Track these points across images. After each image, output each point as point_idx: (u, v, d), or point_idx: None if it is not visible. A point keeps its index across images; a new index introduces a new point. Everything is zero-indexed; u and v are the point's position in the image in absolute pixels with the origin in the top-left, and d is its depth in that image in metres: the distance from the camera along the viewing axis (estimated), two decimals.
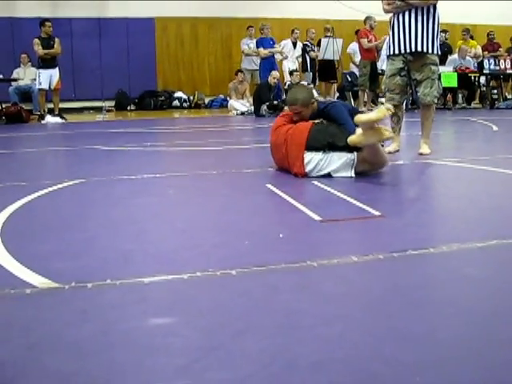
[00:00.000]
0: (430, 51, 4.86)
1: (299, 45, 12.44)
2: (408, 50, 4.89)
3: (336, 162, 3.85)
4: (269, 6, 13.77)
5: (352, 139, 3.72)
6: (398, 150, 5.11)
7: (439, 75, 5.10)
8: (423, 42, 4.83)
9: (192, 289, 1.89)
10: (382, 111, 3.64)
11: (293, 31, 12.35)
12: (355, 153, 3.82)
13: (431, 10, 4.85)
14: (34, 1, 12.26)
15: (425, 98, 4.99)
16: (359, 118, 3.69)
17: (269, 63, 11.39)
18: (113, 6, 13.14)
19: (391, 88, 5.11)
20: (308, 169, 3.87)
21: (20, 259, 2.18)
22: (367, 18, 11.09)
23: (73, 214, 3.08)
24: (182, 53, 14.00)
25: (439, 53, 4.99)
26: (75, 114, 11.73)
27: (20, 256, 2.22)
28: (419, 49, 4.85)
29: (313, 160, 3.86)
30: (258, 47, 11.55)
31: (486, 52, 13.15)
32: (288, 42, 12.31)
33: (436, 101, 5.12)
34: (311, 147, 3.86)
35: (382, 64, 10.99)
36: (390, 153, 4.99)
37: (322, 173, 3.86)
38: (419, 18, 4.82)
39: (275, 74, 10.64)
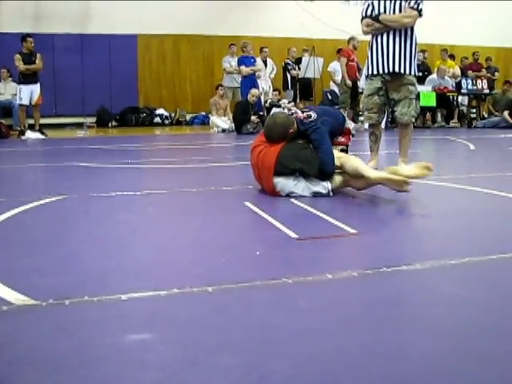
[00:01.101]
0: (407, 72, 4.96)
1: (270, 62, 12.56)
2: (386, 71, 4.99)
3: (309, 190, 3.89)
4: (250, 24, 13.91)
5: (374, 177, 3.79)
6: (376, 169, 5.17)
7: (418, 95, 5.19)
8: (400, 63, 4.94)
9: (169, 305, 1.91)
10: (423, 172, 3.71)
11: (261, 49, 12.47)
12: (329, 184, 3.87)
13: (408, 31, 4.96)
14: (17, 16, 12.27)
15: (402, 118, 5.08)
16: (400, 172, 3.72)
17: (250, 81, 11.47)
18: (95, 22, 13.17)
19: (369, 107, 5.20)
20: (279, 190, 3.89)
21: None
22: (351, 39, 11.24)
23: (52, 230, 3.09)
24: (163, 70, 14.06)
25: (416, 73, 5.09)
26: (56, 130, 11.70)
27: None
28: (397, 70, 4.95)
29: (282, 184, 3.88)
30: (239, 65, 11.64)
31: (471, 71, 13.35)
32: (259, 61, 12.40)
33: (414, 120, 5.21)
34: (279, 173, 3.87)
35: (363, 83, 11.12)
36: None
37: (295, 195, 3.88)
38: (397, 39, 4.93)
39: (255, 91, 10.71)
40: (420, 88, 12.07)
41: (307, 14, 14.18)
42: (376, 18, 4.97)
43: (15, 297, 1.96)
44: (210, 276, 2.19)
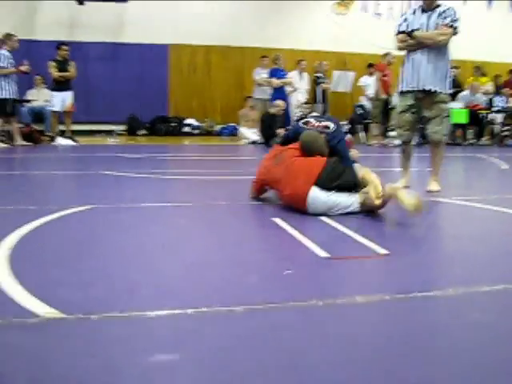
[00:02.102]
0: (440, 90, 4.91)
1: (306, 76, 12.51)
2: (418, 88, 4.94)
3: (337, 207, 3.81)
4: (282, 36, 13.92)
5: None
6: (407, 187, 5.11)
7: (450, 112, 5.12)
8: (434, 81, 4.88)
9: (197, 325, 1.89)
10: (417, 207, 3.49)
11: (299, 62, 12.44)
12: (358, 202, 3.80)
13: (442, 49, 4.90)
14: (52, 24, 12.46)
15: (434, 136, 5.01)
16: (403, 198, 3.53)
17: (280, 94, 11.45)
18: (128, 32, 13.32)
19: (401, 124, 5.15)
20: (311, 198, 3.78)
21: (27, 287, 2.19)
22: (386, 54, 11.19)
23: (81, 241, 3.09)
24: (194, 80, 14.14)
25: (450, 92, 5.02)
26: (87, 137, 11.82)
27: (27, 284, 2.23)
28: (429, 87, 4.90)
29: (316, 193, 3.78)
30: (270, 77, 11.64)
31: (507, 89, 13.12)
32: (295, 73, 12.40)
33: (446, 138, 5.14)
34: (317, 184, 3.81)
35: (396, 99, 11.05)
36: None
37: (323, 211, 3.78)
38: (430, 56, 4.88)
39: (278, 103, 10.62)
40: (451, 104, 11.95)
41: (339, 28, 14.17)
42: (410, 34, 4.93)
43: (43, 309, 1.96)
44: (239, 295, 2.17)
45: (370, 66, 12.46)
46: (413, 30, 4.92)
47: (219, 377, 1.52)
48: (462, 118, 11.79)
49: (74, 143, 10.45)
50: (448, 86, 4.97)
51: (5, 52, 9.59)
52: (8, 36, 9.84)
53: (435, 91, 4.91)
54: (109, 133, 12.65)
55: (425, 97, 4.97)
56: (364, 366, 1.61)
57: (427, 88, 4.90)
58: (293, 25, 14.15)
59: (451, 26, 4.82)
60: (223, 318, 1.94)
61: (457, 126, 11.96)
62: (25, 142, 9.96)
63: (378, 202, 3.70)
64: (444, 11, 4.87)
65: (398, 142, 11.11)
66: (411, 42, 4.93)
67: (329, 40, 14.12)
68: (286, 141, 4.37)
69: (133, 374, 1.53)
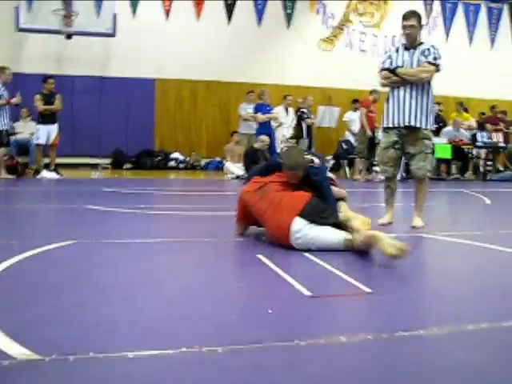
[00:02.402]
0: (423, 126, 4.95)
1: (291, 111, 12.60)
2: (402, 125, 4.98)
3: (320, 241, 3.80)
4: (268, 72, 14.06)
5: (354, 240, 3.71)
6: (391, 223, 5.11)
7: (433, 148, 5.16)
8: (417, 117, 4.93)
9: (177, 366, 1.84)
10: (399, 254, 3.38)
11: (285, 97, 12.54)
12: (344, 238, 3.78)
13: (425, 85, 4.96)
14: (40, 58, 12.51)
15: (418, 172, 5.04)
16: (386, 246, 3.41)
17: (265, 128, 11.51)
18: (115, 66, 13.40)
19: (385, 160, 5.18)
20: (294, 230, 3.79)
21: (2, 326, 2.13)
22: (373, 91, 11.31)
23: (61, 278, 3.03)
24: (180, 114, 14.20)
25: (433, 128, 5.07)
26: (71, 170, 11.77)
27: (2, 323, 2.17)
28: (412, 124, 4.94)
29: (299, 224, 3.79)
30: (255, 112, 11.71)
31: (489, 124, 13.30)
32: (281, 108, 12.48)
33: (429, 174, 5.16)
34: (304, 218, 3.82)
35: (381, 135, 11.16)
36: (382, 225, 5.00)
37: (307, 243, 3.79)
38: (413, 93, 4.93)
39: (263, 138, 10.64)
40: (435, 140, 12.07)
41: (324, 64, 14.35)
42: (393, 71, 4.99)
43: (18, 350, 1.90)
44: (221, 334, 2.12)
45: (355, 101, 12.60)
46: (396, 67, 4.98)
47: None
48: (446, 153, 11.92)
49: (59, 176, 10.39)
50: (431, 122, 5.01)
51: None
52: (2, 69, 9.87)
53: (419, 127, 4.95)
54: (94, 166, 12.61)
55: (408, 133, 5.00)
56: None
57: (411, 124, 4.95)
58: (279, 60, 14.32)
59: (434, 64, 4.90)
60: (204, 358, 1.90)
61: (441, 160, 12.08)
62: (8, 175, 9.91)
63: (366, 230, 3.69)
64: (427, 49, 4.94)
65: (382, 177, 11.24)
66: (395, 78, 4.99)
67: (314, 76, 14.28)
68: (268, 170, 4.36)
69: None
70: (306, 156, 4.23)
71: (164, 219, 5.52)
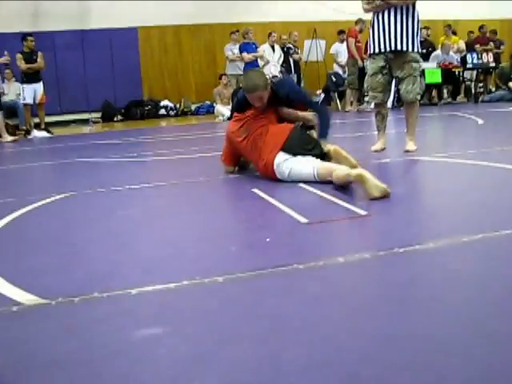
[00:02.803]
0: (410, 49, 4.88)
1: (277, 48, 12.44)
2: (388, 49, 4.92)
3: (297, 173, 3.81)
4: (251, 10, 13.80)
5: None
6: (384, 149, 5.12)
7: (423, 72, 5.10)
8: (402, 40, 4.86)
9: (179, 298, 1.88)
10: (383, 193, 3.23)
11: (270, 34, 12.35)
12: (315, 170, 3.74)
13: (410, 8, 4.87)
14: (15, 15, 12.23)
15: (407, 96, 5.01)
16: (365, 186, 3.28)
17: (253, 67, 11.38)
18: (95, 18, 13.12)
19: (374, 86, 5.14)
20: (277, 162, 3.85)
21: (6, 276, 2.17)
22: (359, 20, 11.15)
23: (59, 228, 3.07)
24: (166, 61, 14.00)
25: (419, 50, 5.01)
26: (62, 128, 11.70)
27: (7, 273, 2.21)
28: (399, 47, 4.87)
29: (281, 157, 3.86)
30: (241, 52, 11.55)
31: (478, 45, 13.15)
32: (266, 46, 12.31)
33: (419, 98, 5.13)
34: (286, 151, 3.86)
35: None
36: (375, 151, 5.02)
37: (286, 168, 3.83)
38: (398, 16, 4.84)
39: None
40: (425, 65, 11.93)
41: None
42: None
43: (25, 297, 1.95)
44: (220, 266, 2.16)
45: (341, 32, 12.40)
46: None
47: (203, 347, 1.52)
48: (436, 77, 11.80)
49: (50, 135, 10.33)
50: (418, 45, 4.95)
51: None
52: None
53: (406, 51, 4.90)
54: (85, 122, 12.53)
55: (395, 57, 4.94)
56: (347, 324, 1.62)
57: (397, 48, 4.88)
58: None
59: None
60: (205, 289, 1.94)
61: (431, 85, 11.98)
62: (14, 137, 9.78)
63: (353, 174, 3.43)
64: None
65: (373, 106, 11.18)
66: (378, 2, 4.89)
67: (298, 11, 14.02)
68: (241, 104, 4.31)
69: (116, 351, 1.52)
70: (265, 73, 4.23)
71: (157, 165, 5.52)
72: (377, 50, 5.01)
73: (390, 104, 9.56)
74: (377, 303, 1.76)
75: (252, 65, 11.43)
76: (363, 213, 2.83)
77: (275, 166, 3.82)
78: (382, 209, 3.03)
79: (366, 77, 5.31)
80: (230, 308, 1.78)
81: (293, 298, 1.83)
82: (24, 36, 10.40)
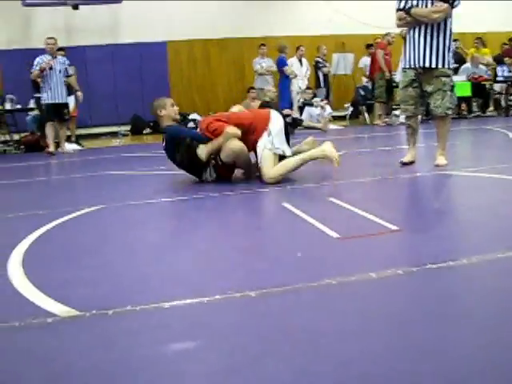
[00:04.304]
0: (439, 66, 4.87)
1: (305, 62, 12.48)
2: (417, 65, 4.92)
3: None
4: (279, 23, 13.86)
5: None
6: (413, 162, 5.09)
7: (453, 86, 5.06)
8: (432, 57, 4.85)
9: (212, 312, 1.89)
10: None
11: (297, 48, 12.41)
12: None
13: (442, 24, 4.84)
14: (49, 31, 12.45)
15: (436, 110, 4.98)
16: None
17: (286, 81, 11.62)
18: (125, 32, 13.31)
19: (404, 99, 5.13)
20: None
21: (41, 288, 2.21)
22: (386, 34, 11.18)
23: (91, 240, 3.11)
24: (194, 74, 14.12)
25: (450, 66, 4.98)
26: (92, 140, 11.85)
27: (41, 285, 2.25)
28: (427, 64, 4.88)
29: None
30: (282, 66, 11.69)
31: (507, 58, 12.99)
32: (294, 60, 12.36)
33: (450, 112, 5.09)
34: None
35: (399, 76, 11.03)
36: (404, 163, 5.01)
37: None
38: (428, 33, 4.84)
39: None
40: (454, 78, 11.85)
41: (335, 11, 14.08)
42: (408, 12, 4.90)
43: (59, 308, 1.97)
44: (252, 280, 2.17)
45: (369, 46, 12.39)
46: (411, 7, 4.88)
47: (235, 362, 1.52)
48: (466, 90, 11.70)
49: (80, 147, 10.46)
50: (448, 60, 4.92)
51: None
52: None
53: (435, 67, 4.88)
54: (114, 134, 12.67)
55: (425, 72, 4.93)
56: (379, 339, 1.61)
57: (426, 65, 4.88)
58: (289, 12, 14.08)
59: (448, 2, 4.78)
60: (238, 303, 1.94)
61: (461, 99, 11.87)
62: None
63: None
64: None
65: (403, 119, 11.12)
66: (409, 19, 4.90)
67: (325, 24, 14.04)
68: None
69: (149, 365, 1.54)
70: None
71: (187, 178, 5.54)
72: (407, 65, 5.02)
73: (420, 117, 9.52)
74: (409, 319, 1.75)
75: (280, 77, 11.55)
76: (394, 228, 2.81)
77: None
78: (414, 224, 3.02)
79: (398, 90, 5.31)
80: (262, 322, 1.78)
81: (326, 313, 1.83)
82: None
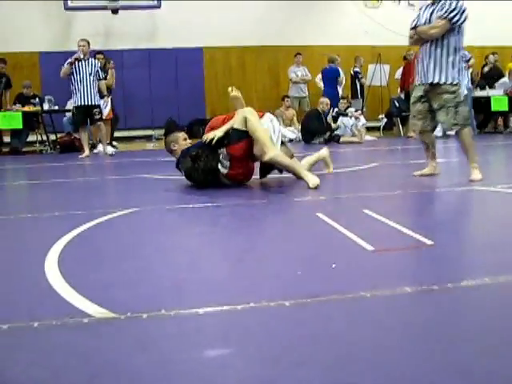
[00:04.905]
0: (442, 81, 4.96)
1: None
2: (423, 82, 5.09)
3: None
4: (315, 33, 13.88)
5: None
6: (431, 174, 5.22)
7: (460, 100, 5.03)
8: (435, 73, 4.97)
9: (246, 319, 1.90)
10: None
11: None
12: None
13: (445, 40, 4.94)
14: (88, 35, 12.67)
15: (443, 126, 5.13)
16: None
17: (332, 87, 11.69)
18: (162, 37, 13.47)
19: (413, 114, 5.34)
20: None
21: (77, 288, 2.23)
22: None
23: (127, 242, 3.14)
24: (229, 81, 14.14)
25: (454, 82, 4.98)
26: (126, 143, 12.00)
27: (77, 285, 2.28)
28: (430, 80, 5.01)
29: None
30: (336, 76, 11.80)
31: None
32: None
33: (456, 128, 5.03)
34: None
35: None
36: (422, 175, 5.18)
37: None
38: (432, 49, 4.99)
39: (326, 100, 10.69)
40: (491, 92, 11.75)
41: (372, 21, 14.05)
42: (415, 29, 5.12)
43: (95, 309, 2.00)
44: (286, 290, 2.17)
45: (406, 58, 12.33)
46: (417, 25, 5.07)
47: (270, 370, 1.52)
48: (503, 105, 11.56)
49: (115, 150, 10.60)
50: (452, 75, 4.95)
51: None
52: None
53: (437, 83, 4.98)
54: (148, 138, 12.81)
55: (431, 88, 5.06)
56: (414, 354, 1.59)
57: (429, 81, 5.02)
58: (325, 21, 14.09)
59: (445, 18, 4.87)
60: (272, 312, 1.94)
61: (497, 113, 11.73)
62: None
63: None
64: (444, 3, 4.94)
65: (438, 133, 11.04)
66: (416, 37, 5.10)
67: (362, 34, 14.01)
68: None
69: (185, 370, 1.55)
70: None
71: (221, 184, 5.57)
72: (417, 82, 5.23)
73: (440, 132, 9.48)
74: (444, 336, 1.73)
75: (331, 85, 11.59)
76: (429, 242, 2.79)
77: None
78: (448, 239, 2.98)
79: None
80: (297, 332, 1.78)
81: (361, 325, 1.82)
82: (94, 54, 10.75)
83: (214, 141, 4.77)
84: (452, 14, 4.87)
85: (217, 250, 2.92)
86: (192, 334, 1.79)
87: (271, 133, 4.98)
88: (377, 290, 2.11)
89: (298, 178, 4.91)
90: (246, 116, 4.90)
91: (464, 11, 4.89)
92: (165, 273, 2.50)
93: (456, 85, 5.03)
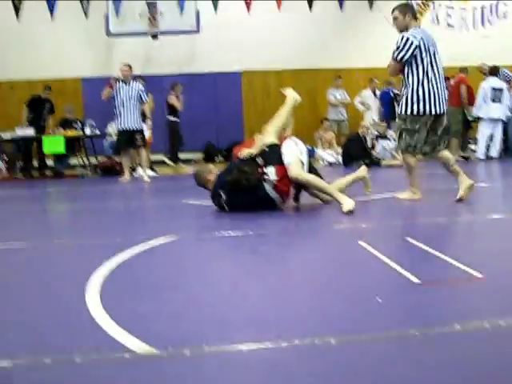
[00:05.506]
0: (398, 112, 5.34)
1: (378, 94, 12.40)
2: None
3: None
4: (353, 55, 13.83)
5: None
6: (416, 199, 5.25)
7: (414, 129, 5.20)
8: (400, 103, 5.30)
9: (291, 359, 1.84)
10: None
11: (371, 80, 12.33)
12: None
13: (405, 73, 5.17)
14: (128, 60, 12.89)
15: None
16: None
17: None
18: (201, 62, 13.61)
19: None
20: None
21: (119, 321, 2.22)
22: (463, 69, 11.05)
23: (168, 272, 3.13)
24: (268, 104, 14.20)
25: (402, 112, 5.20)
26: (166, 167, 12.10)
27: (119, 318, 2.26)
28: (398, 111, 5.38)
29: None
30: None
31: None
32: (369, 92, 12.28)
33: (404, 151, 5.31)
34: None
35: (478, 111, 10.80)
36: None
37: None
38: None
39: (366, 123, 10.65)
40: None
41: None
42: None
43: (136, 344, 1.97)
44: (331, 325, 2.11)
45: (446, 79, 12.17)
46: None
47: None
48: None
49: (154, 174, 10.68)
50: (402, 107, 5.18)
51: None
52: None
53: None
54: (187, 161, 12.88)
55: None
56: None
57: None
58: (363, 43, 14.03)
59: (392, 58, 5.17)
60: (317, 350, 1.89)
61: None
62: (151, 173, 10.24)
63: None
64: (397, 39, 5.22)
65: (481, 155, 10.83)
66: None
67: None
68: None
69: None
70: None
71: (260, 211, 5.53)
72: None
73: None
74: (496, 377, 1.65)
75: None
76: (478, 275, 2.69)
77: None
78: (497, 270, 2.88)
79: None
80: (344, 372, 1.72)
81: (410, 366, 1.75)
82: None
83: (249, 156, 4.94)
84: (396, 53, 5.11)
85: (257, 281, 2.88)
86: (236, 373, 1.76)
87: (299, 155, 4.99)
88: (425, 326, 2.04)
89: (325, 201, 4.98)
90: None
91: (410, 47, 5.03)
92: (206, 305, 2.47)
93: (405, 115, 5.20)
